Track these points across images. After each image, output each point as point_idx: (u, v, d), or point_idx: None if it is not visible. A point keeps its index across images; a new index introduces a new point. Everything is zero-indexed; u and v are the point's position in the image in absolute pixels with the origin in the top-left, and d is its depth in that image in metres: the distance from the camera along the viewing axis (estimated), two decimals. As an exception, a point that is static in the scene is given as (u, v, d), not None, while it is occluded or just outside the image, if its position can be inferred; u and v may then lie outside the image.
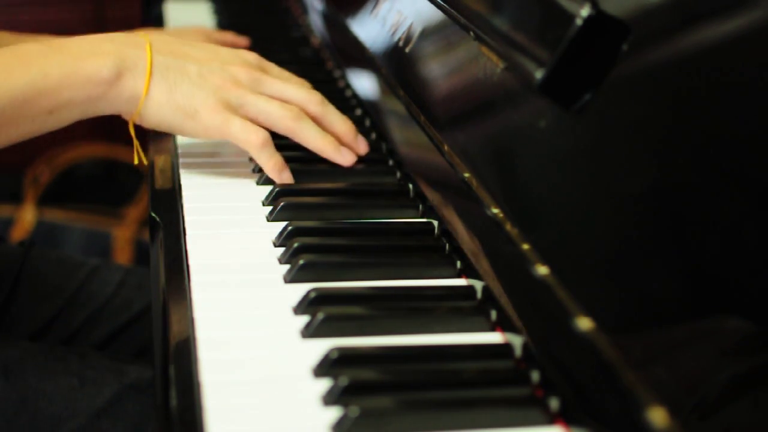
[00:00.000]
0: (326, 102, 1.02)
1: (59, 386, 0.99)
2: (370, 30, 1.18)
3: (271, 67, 1.03)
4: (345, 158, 1.00)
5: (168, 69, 0.94)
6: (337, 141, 1.00)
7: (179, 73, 0.94)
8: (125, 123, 0.96)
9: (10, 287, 1.18)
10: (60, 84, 0.90)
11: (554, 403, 0.67)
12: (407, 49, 1.05)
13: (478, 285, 0.80)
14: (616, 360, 0.62)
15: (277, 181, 0.97)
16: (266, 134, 0.95)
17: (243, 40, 1.43)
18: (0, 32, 1.35)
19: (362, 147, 1.03)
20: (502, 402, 0.68)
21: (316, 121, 1.00)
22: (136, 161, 1.00)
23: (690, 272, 0.64)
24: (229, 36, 1.43)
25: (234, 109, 0.95)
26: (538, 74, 0.78)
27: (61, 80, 0.90)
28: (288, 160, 1.01)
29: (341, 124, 1.02)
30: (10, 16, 2.19)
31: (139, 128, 0.97)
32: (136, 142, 0.99)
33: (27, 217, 2.07)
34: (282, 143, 1.05)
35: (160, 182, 1.02)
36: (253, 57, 1.02)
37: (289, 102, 0.99)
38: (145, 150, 1.05)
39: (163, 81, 0.94)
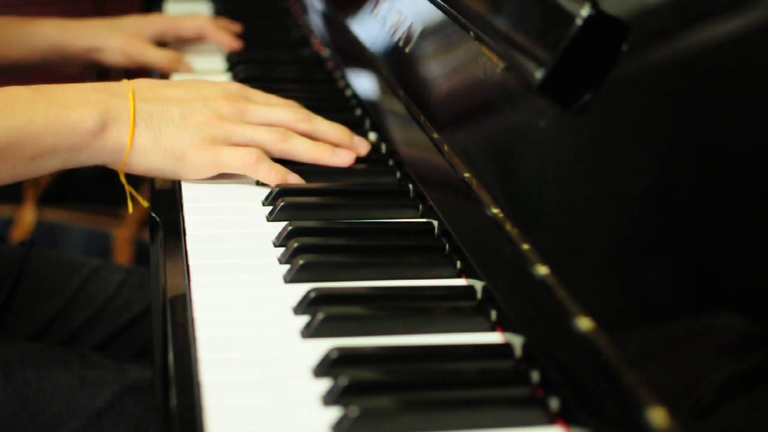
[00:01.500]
0: (313, 116, 1.02)
1: (60, 386, 0.99)
2: (370, 30, 1.18)
3: (255, 94, 1.03)
4: (342, 159, 1.00)
5: (151, 116, 0.94)
6: (331, 146, 1.00)
7: (163, 118, 0.95)
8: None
9: (10, 287, 1.18)
10: (45, 131, 0.90)
11: (554, 403, 0.67)
12: (407, 49, 1.05)
13: (478, 285, 0.80)
14: (616, 360, 0.62)
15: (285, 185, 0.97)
16: (257, 151, 0.96)
17: (235, 26, 1.46)
18: (11, 17, 1.36)
19: (362, 146, 1.03)
20: (502, 402, 0.68)
21: (309, 137, 1.00)
22: (130, 209, 1.00)
23: (690, 272, 0.64)
24: (223, 21, 1.47)
25: (221, 143, 0.96)
26: (538, 74, 0.78)
27: (46, 127, 0.90)
28: (287, 162, 1.01)
29: (333, 132, 1.02)
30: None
31: None
32: (128, 188, 0.98)
33: (27, 217, 2.07)
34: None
35: (160, 182, 1.02)
36: (235, 87, 1.02)
37: (277, 125, 1.00)
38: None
39: (147, 129, 0.94)
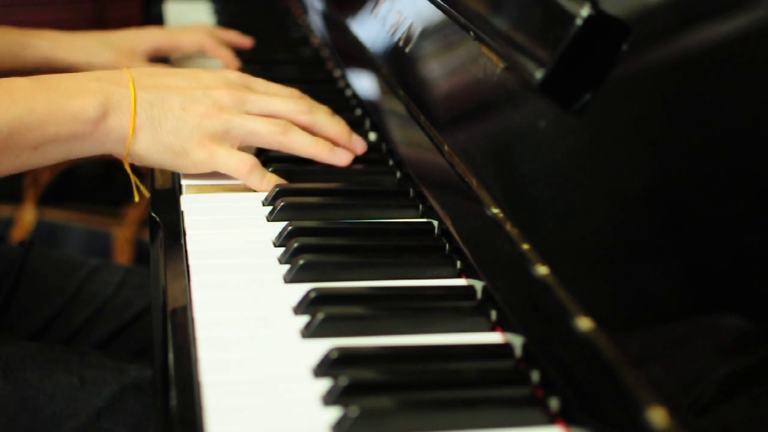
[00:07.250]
0: (315, 108, 1.02)
1: (60, 385, 0.99)
2: (370, 30, 1.18)
3: (257, 82, 1.03)
4: (340, 158, 1.00)
5: (152, 106, 0.94)
6: (330, 143, 1.00)
7: (163, 109, 0.95)
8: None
9: (10, 287, 1.18)
10: (46, 119, 0.90)
11: (554, 403, 0.67)
12: (407, 49, 1.05)
13: (478, 285, 0.80)
14: (616, 360, 0.62)
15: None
16: (251, 159, 0.96)
17: (246, 40, 1.42)
18: (6, 27, 1.35)
19: (359, 146, 1.03)
20: (502, 402, 0.68)
21: (308, 129, 1.00)
22: (137, 198, 1.00)
23: (689, 271, 0.64)
24: (233, 35, 1.43)
25: (221, 137, 0.96)
26: (538, 74, 0.78)
27: (47, 116, 0.90)
28: (287, 160, 1.01)
29: (333, 126, 1.02)
30: (8, 16, 2.18)
31: None
32: (133, 178, 0.99)
33: (27, 217, 2.07)
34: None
35: (160, 182, 1.03)
36: (236, 76, 1.02)
37: (277, 116, 1.00)
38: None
39: (148, 120, 0.94)
